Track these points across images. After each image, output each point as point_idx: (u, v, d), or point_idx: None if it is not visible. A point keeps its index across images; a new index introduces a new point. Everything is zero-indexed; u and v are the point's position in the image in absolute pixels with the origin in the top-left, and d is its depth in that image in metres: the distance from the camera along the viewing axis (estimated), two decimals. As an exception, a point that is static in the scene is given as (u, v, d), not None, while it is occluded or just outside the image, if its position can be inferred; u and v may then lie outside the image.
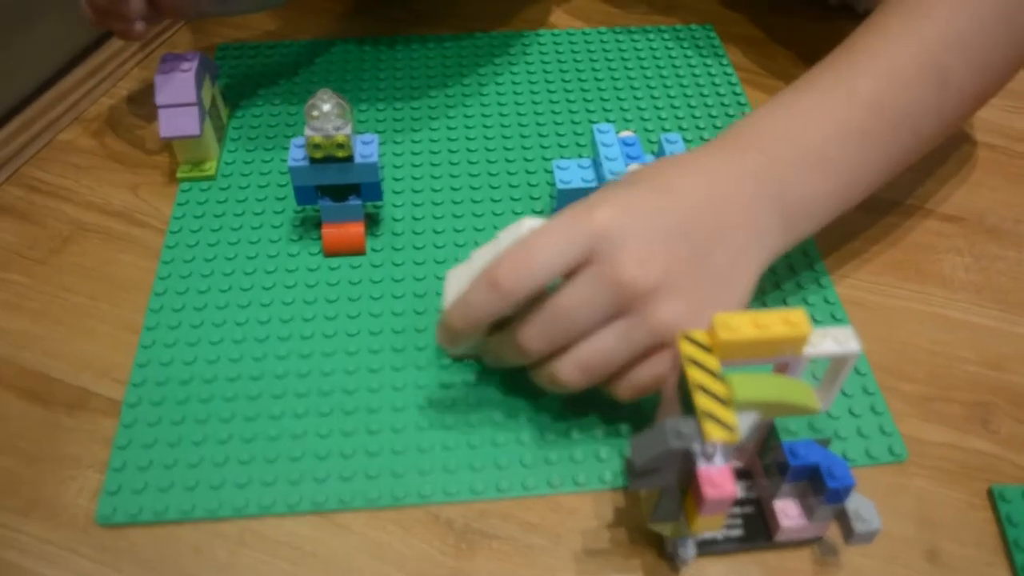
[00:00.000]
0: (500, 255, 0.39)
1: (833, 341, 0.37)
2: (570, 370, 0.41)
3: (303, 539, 0.42)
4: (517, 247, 0.39)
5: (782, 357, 0.37)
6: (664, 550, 0.41)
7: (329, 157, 0.50)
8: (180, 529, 0.42)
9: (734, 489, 0.34)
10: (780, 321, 0.35)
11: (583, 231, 0.39)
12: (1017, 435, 0.47)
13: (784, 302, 0.52)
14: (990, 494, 0.44)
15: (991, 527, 0.43)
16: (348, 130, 0.49)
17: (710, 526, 0.36)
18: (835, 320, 0.51)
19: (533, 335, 0.41)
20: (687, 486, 0.36)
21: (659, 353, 0.40)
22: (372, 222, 0.56)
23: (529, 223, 0.42)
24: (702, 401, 0.34)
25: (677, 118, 0.64)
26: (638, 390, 0.41)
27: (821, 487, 0.38)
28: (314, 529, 0.42)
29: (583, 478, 0.44)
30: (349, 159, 0.50)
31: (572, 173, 0.52)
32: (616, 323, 0.40)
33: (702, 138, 0.63)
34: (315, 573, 0.41)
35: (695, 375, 0.35)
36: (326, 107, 0.48)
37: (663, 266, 0.39)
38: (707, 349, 0.36)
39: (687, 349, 0.36)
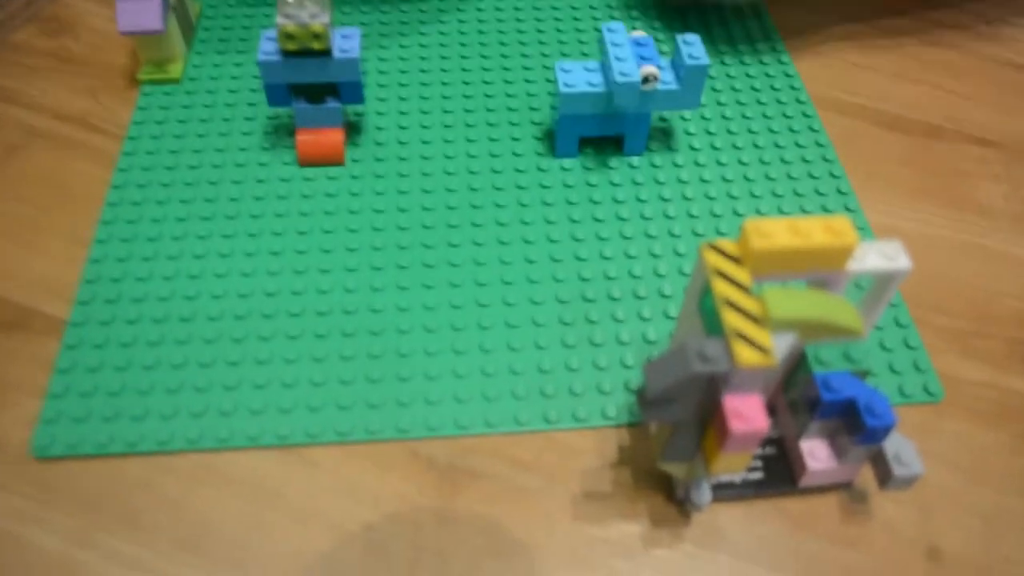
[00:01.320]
0: None
1: (879, 255, 0.32)
2: None
3: (265, 476, 0.37)
4: None
5: (823, 272, 0.31)
6: (674, 494, 0.36)
7: (304, 50, 0.44)
8: (126, 463, 0.37)
9: (766, 422, 0.29)
10: (821, 228, 0.30)
11: None
12: None
13: (803, 211, 0.47)
14: None
15: None
16: (326, 19, 0.43)
17: (732, 467, 0.31)
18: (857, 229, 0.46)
19: None
20: (707, 420, 0.31)
21: None
22: (353, 130, 0.50)
23: None
24: (732, 319, 0.29)
25: (689, 30, 0.58)
26: None
27: (857, 425, 0.33)
28: (279, 465, 0.37)
29: (584, 413, 0.39)
30: (326, 53, 0.44)
31: (577, 76, 0.46)
32: None
33: (719, 51, 0.57)
34: (278, 513, 0.36)
35: (723, 289, 0.29)
36: (300, -10, 0.42)
37: None
38: (737, 260, 0.30)
39: (713, 260, 0.30)
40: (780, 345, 0.30)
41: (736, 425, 0.29)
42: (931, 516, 0.37)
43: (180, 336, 0.41)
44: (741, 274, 0.30)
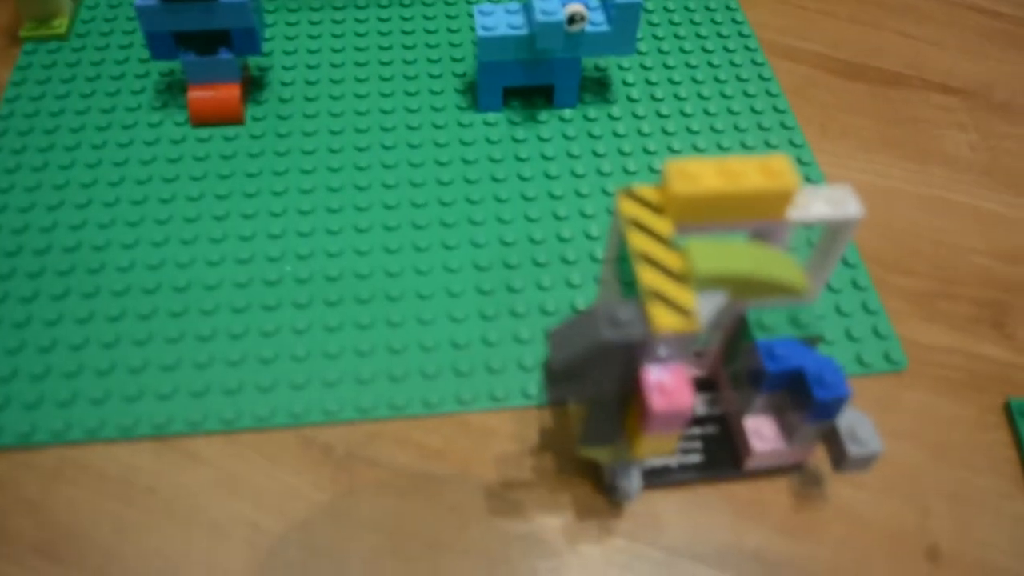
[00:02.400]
0: None
1: (826, 202, 0.28)
2: None
3: (139, 471, 0.33)
4: None
5: (759, 222, 0.27)
6: (602, 482, 0.32)
7: (186, -8, 0.39)
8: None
9: (691, 398, 0.24)
10: (757, 169, 0.26)
11: None
12: None
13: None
14: (1007, 409, 0.36)
15: (1007, 451, 0.35)
16: (209, -44, 0.38)
17: (660, 449, 0.27)
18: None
19: None
20: (628, 396, 0.27)
21: None
22: (255, 87, 0.46)
23: None
24: (648, 276, 0.24)
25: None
26: None
27: (806, 399, 0.29)
28: (154, 459, 0.33)
29: (502, 392, 0.35)
30: (213, -4, 0.39)
31: (497, 18, 0.41)
32: None
33: (662, -5, 0.52)
34: (151, 514, 0.32)
35: (639, 242, 0.25)
36: (175, -80, 0.37)
37: None
38: (656, 209, 0.26)
39: (629, 209, 0.26)
40: (707, 307, 0.25)
41: (658, 401, 0.24)
42: (892, 499, 0.33)
43: (48, 316, 0.36)
44: (661, 224, 0.25)
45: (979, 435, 0.35)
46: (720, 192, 0.25)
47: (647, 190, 0.26)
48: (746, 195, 0.25)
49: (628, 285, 0.26)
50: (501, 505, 0.32)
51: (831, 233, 0.29)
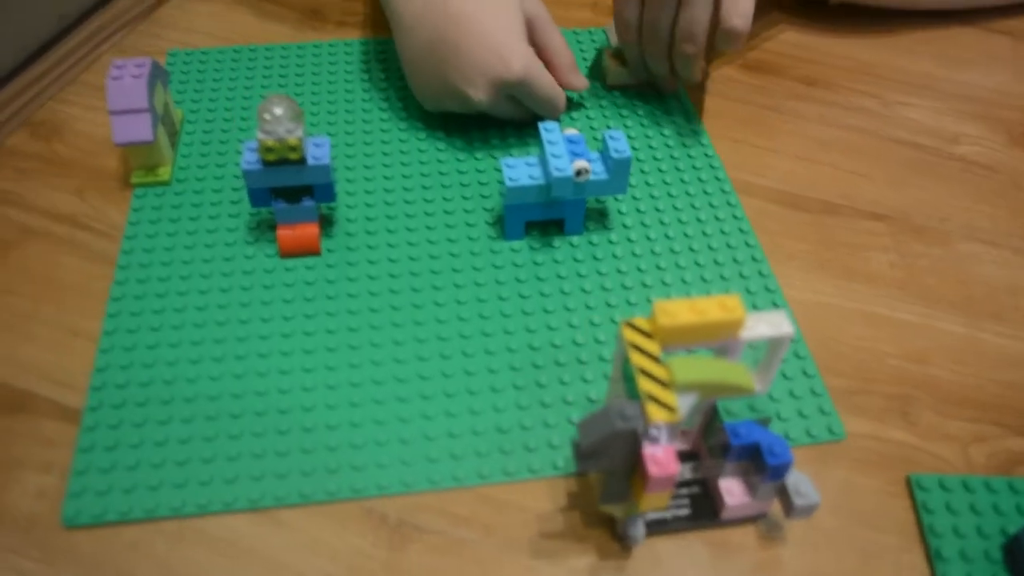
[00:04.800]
0: None
1: (767, 325, 0.39)
2: (687, 47, 0.60)
3: (241, 536, 0.42)
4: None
5: (720, 341, 0.38)
6: (616, 531, 0.43)
7: (282, 160, 0.51)
8: (121, 527, 0.43)
9: (677, 467, 0.35)
10: (716, 306, 0.37)
11: None
12: (935, 426, 0.48)
13: (722, 277, 0.55)
14: (907, 482, 0.46)
15: (907, 514, 0.45)
16: (300, 133, 0.50)
17: (656, 504, 0.38)
18: (776, 307, 0.53)
19: (651, 47, 0.63)
20: (634, 466, 0.38)
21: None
22: (326, 223, 0.57)
23: None
24: (644, 384, 0.36)
25: (621, 116, 0.66)
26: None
27: (762, 465, 0.40)
28: (253, 526, 0.43)
29: (512, 468, 0.45)
30: (301, 161, 0.51)
31: (519, 171, 0.53)
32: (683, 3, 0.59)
33: (647, 136, 0.64)
34: (252, 569, 0.41)
35: (637, 359, 0.36)
36: (278, 111, 0.49)
37: None
38: (648, 335, 0.37)
39: (630, 335, 0.37)
40: (687, 402, 0.36)
41: (653, 470, 0.35)
42: (818, 552, 0.43)
43: (161, 417, 0.47)
44: (652, 346, 0.37)
45: (886, 502, 0.45)
46: (692, 323, 0.37)
47: (641, 321, 0.38)
48: (710, 324, 0.37)
49: (631, 390, 0.37)
50: (541, 549, 0.42)
51: (773, 346, 0.40)
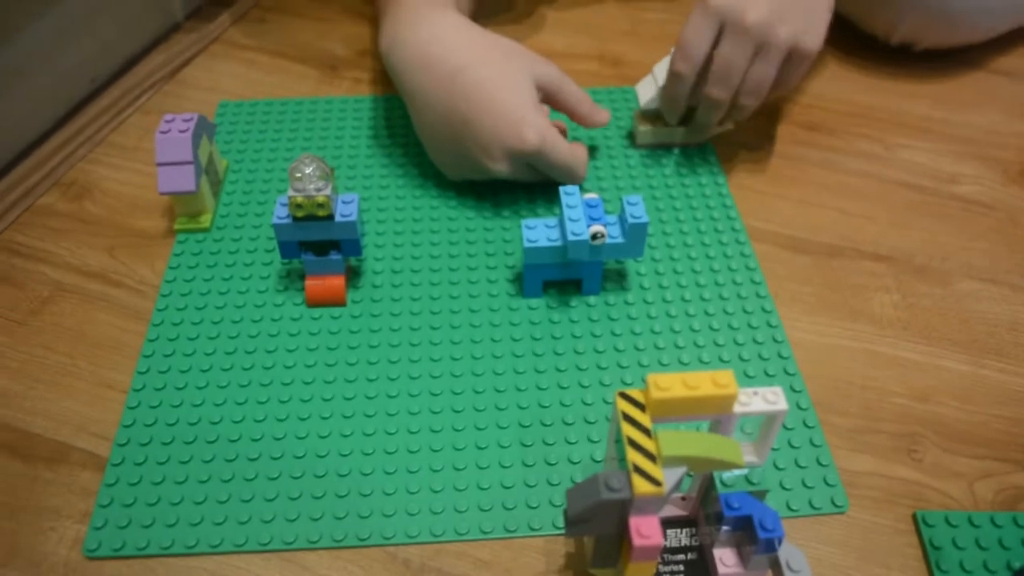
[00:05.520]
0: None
1: (763, 400, 0.40)
2: (749, 99, 0.62)
3: None
4: (676, 47, 0.62)
5: (713, 415, 0.39)
6: (609, 593, 0.44)
7: (310, 216, 0.53)
8: (153, 574, 0.44)
9: (660, 539, 0.36)
10: (709, 381, 0.38)
11: (709, 13, 0.60)
12: (941, 463, 0.50)
13: (735, 342, 0.56)
14: (914, 518, 0.47)
15: (915, 550, 0.46)
16: (328, 191, 0.52)
17: (642, 573, 0.39)
18: (782, 359, 0.55)
19: (716, 90, 0.61)
20: (622, 533, 0.39)
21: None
22: (353, 275, 0.59)
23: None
24: (632, 455, 0.37)
25: (648, 175, 0.68)
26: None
27: (754, 537, 0.40)
28: (280, 573, 0.45)
29: (537, 523, 0.47)
30: (329, 218, 0.53)
31: (539, 232, 0.55)
32: (760, 56, 0.60)
33: (670, 195, 0.66)
34: None
35: (628, 430, 0.38)
36: (308, 170, 0.52)
37: (767, 5, 0.58)
38: (641, 406, 0.39)
39: (623, 406, 0.39)
40: (671, 477, 0.37)
41: (638, 540, 0.36)
42: None
43: (206, 456, 0.49)
44: (644, 418, 0.38)
45: (893, 539, 0.46)
46: (683, 397, 0.38)
47: (635, 392, 0.39)
48: (701, 399, 0.38)
49: (622, 460, 0.38)
50: (535, 609, 0.44)
51: (769, 420, 0.41)
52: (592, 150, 0.70)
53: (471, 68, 0.59)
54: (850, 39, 0.82)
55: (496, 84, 0.58)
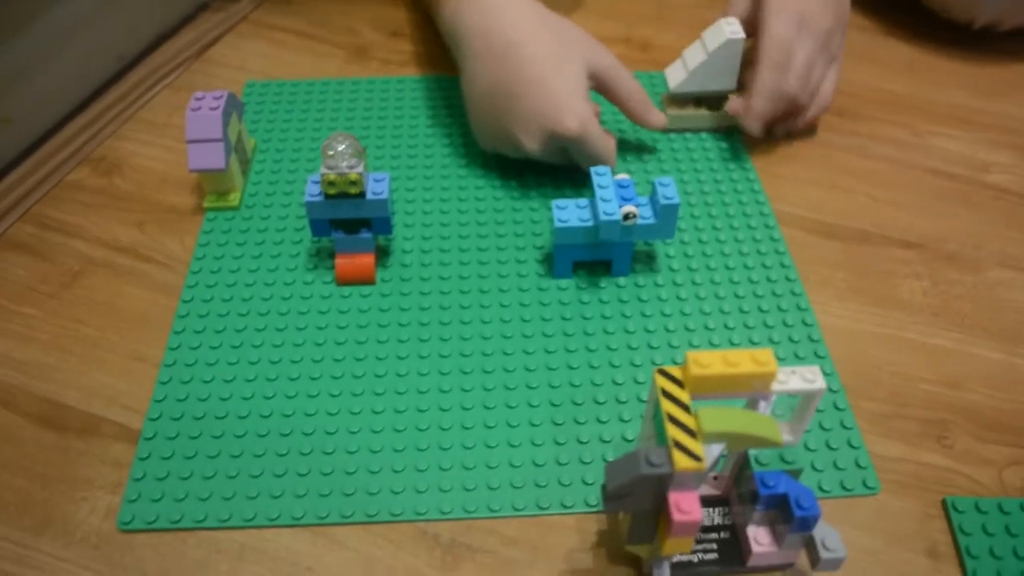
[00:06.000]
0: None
1: (800, 379, 0.40)
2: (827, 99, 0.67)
3: (300, 555, 0.45)
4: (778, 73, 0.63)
5: (752, 393, 0.39)
6: (642, 571, 0.44)
7: (342, 193, 0.53)
8: (184, 546, 0.45)
9: (700, 514, 0.36)
10: (748, 359, 0.38)
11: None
12: (971, 450, 0.49)
13: (765, 324, 0.55)
14: (943, 504, 0.47)
15: (944, 536, 0.46)
16: (361, 168, 0.52)
17: (679, 548, 0.39)
18: (812, 342, 0.55)
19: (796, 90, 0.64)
20: (660, 510, 0.39)
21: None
22: (383, 254, 0.59)
23: (727, 26, 0.64)
24: (672, 431, 0.37)
25: (676, 159, 0.67)
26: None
27: (789, 516, 0.40)
28: (311, 545, 0.45)
29: (570, 500, 0.47)
30: (361, 195, 0.53)
31: (570, 212, 0.55)
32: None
33: (699, 179, 0.66)
34: None
35: (667, 407, 0.38)
36: (340, 147, 0.52)
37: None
38: (680, 383, 0.38)
39: (662, 383, 0.38)
40: (711, 453, 0.37)
41: (677, 516, 0.36)
42: (854, 574, 0.44)
43: (238, 431, 0.49)
44: (683, 395, 0.38)
45: (922, 524, 0.46)
46: (722, 375, 0.38)
47: (674, 369, 0.39)
48: (740, 376, 0.38)
49: (660, 436, 0.38)
50: (567, 584, 0.44)
51: (805, 399, 0.41)
52: (620, 136, 0.70)
53: (525, 45, 0.59)
54: (882, 25, 0.82)
55: (547, 65, 0.58)
